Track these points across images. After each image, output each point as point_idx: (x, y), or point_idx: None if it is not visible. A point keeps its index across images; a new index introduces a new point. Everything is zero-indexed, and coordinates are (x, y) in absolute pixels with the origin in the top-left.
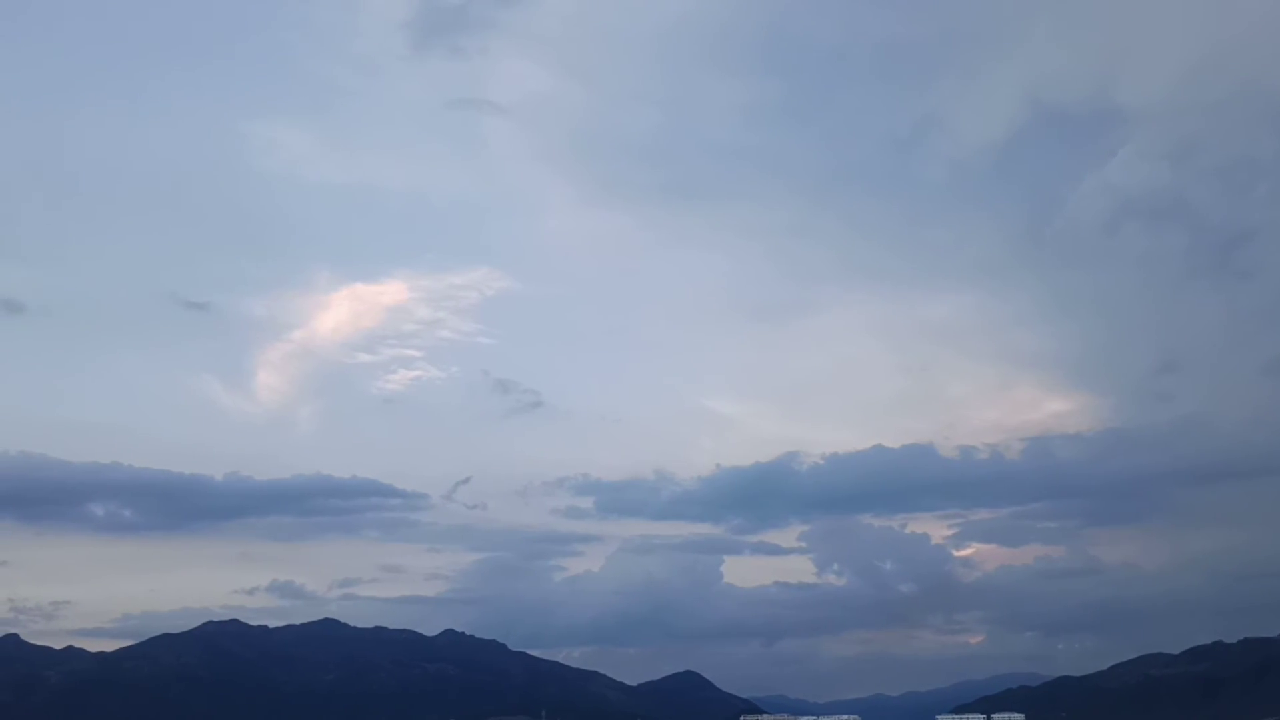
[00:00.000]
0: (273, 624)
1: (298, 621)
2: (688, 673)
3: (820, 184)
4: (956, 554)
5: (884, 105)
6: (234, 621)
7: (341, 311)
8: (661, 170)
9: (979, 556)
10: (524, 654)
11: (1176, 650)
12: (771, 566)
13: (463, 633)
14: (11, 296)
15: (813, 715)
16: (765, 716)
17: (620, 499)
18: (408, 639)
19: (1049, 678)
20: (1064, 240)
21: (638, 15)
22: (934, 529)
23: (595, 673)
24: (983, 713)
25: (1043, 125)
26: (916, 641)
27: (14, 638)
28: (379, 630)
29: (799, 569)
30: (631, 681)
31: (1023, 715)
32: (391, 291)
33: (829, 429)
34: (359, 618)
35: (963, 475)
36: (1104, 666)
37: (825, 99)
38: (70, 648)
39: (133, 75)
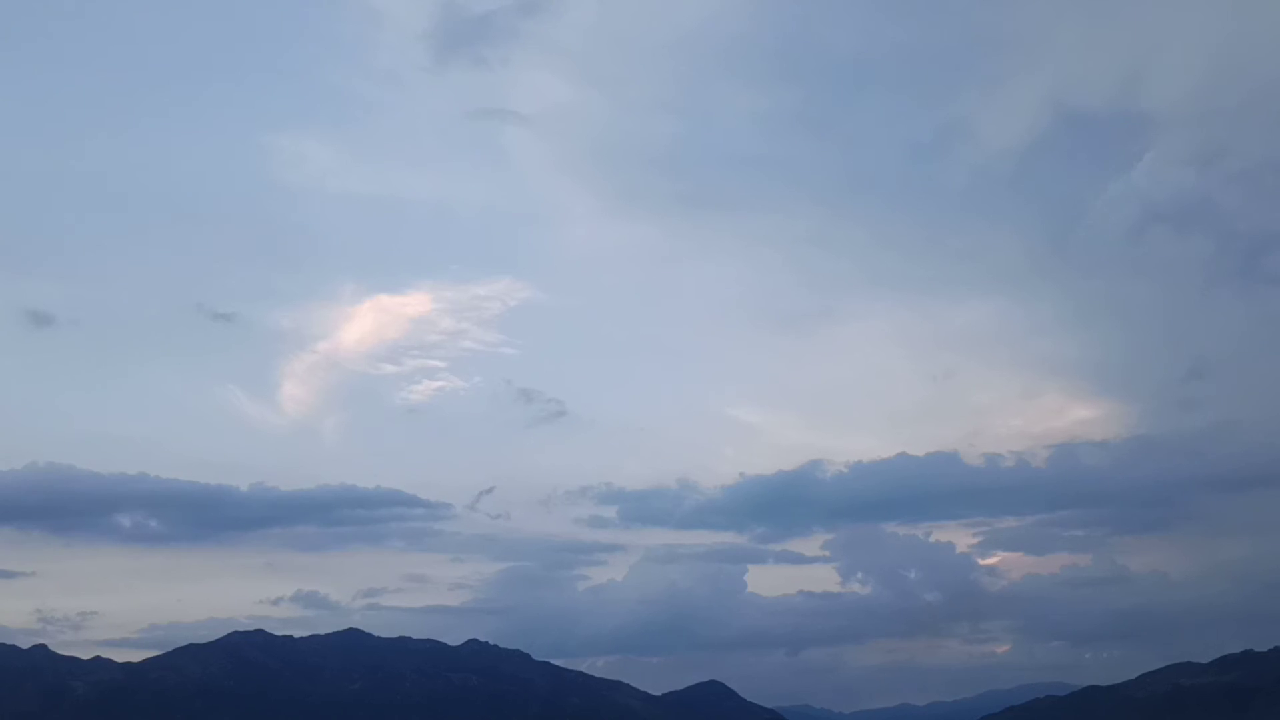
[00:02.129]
0: (298, 634)
1: (322, 631)
2: (712, 682)
3: (841, 193)
4: (982, 562)
5: (904, 113)
6: (259, 632)
7: (366, 323)
8: (682, 180)
9: (1005, 565)
10: (548, 663)
11: (1206, 659)
12: (795, 575)
13: (486, 642)
14: (40, 308)
15: None
16: None
17: (643, 508)
18: (432, 649)
19: (1076, 687)
20: (1088, 246)
21: (657, 25)
22: (959, 537)
23: (619, 682)
24: None
25: (1066, 131)
26: (942, 651)
27: (42, 648)
28: (403, 640)
29: (823, 578)
30: (655, 691)
31: None
32: (415, 303)
33: (853, 437)
34: (383, 628)
35: (988, 483)
36: (1132, 676)
37: (845, 107)
38: (98, 658)
39: (157, 90)
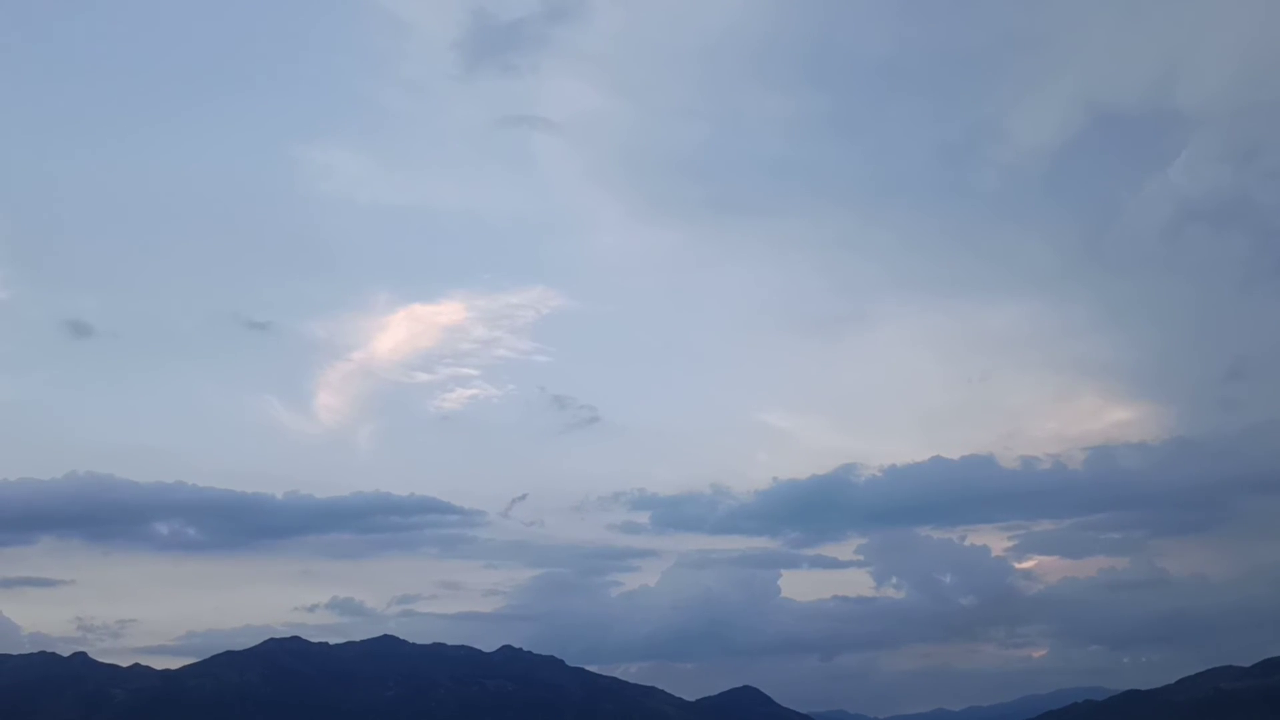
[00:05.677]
0: (333, 641)
1: (358, 638)
2: (746, 688)
3: (871, 196)
4: (1018, 566)
5: (934, 115)
6: (295, 639)
7: (400, 332)
8: (711, 185)
9: (1041, 569)
10: (581, 670)
11: (1248, 663)
12: (829, 580)
13: (520, 649)
14: (79, 319)
15: None
16: None
17: (676, 513)
18: (466, 655)
19: (1115, 691)
20: (1123, 246)
21: (684, 31)
22: (994, 541)
23: (653, 688)
24: None
25: (1099, 130)
26: (978, 655)
27: (82, 655)
28: (438, 647)
29: (857, 582)
30: (690, 697)
31: None
32: (449, 311)
33: (886, 441)
34: (418, 634)
35: (1024, 486)
36: (1172, 680)
37: (874, 110)
38: (136, 665)
39: (189, 102)
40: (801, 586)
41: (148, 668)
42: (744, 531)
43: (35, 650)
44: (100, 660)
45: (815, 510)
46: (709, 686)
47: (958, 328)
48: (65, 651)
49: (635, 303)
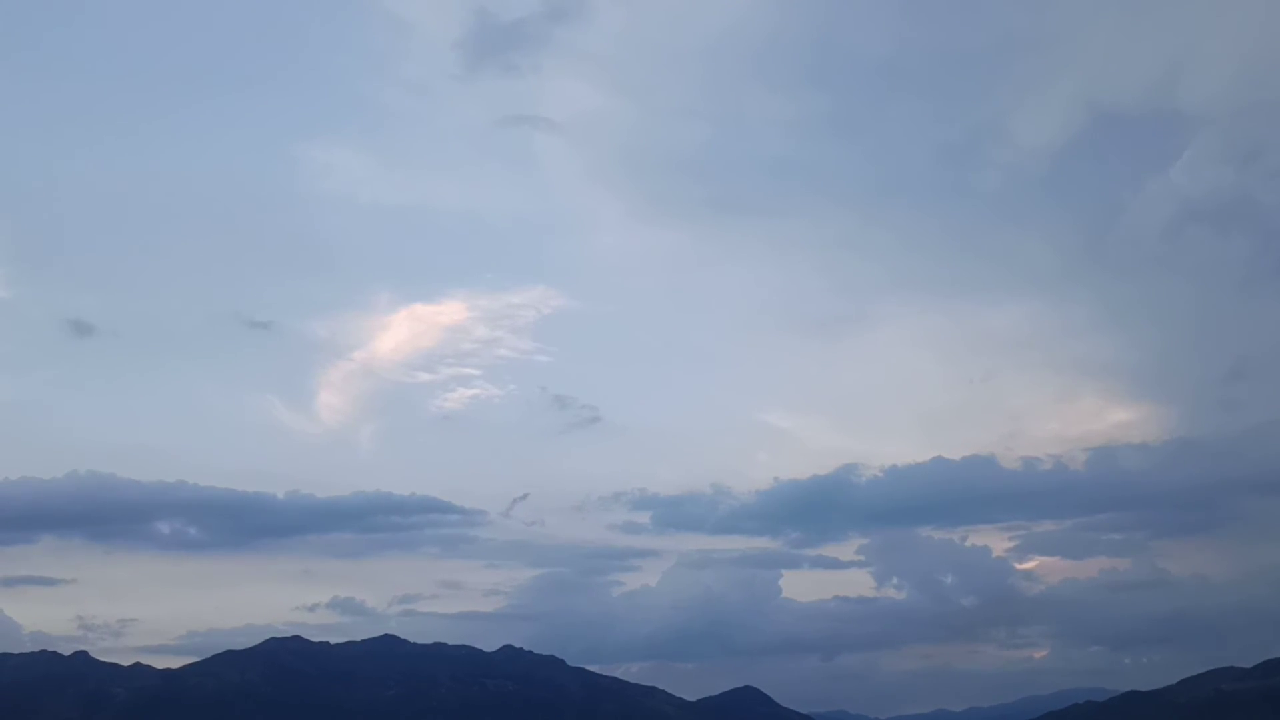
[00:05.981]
0: (334, 640)
1: (358, 638)
2: (747, 688)
3: (872, 196)
4: (1019, 567)
5: (936, 115)
6: (296, 638)
7: (401, 331)
8: (712, 185)
9: (1042, 569)
10: (582, 670)
11: (1249, 664)
12: (830, 580)
13: (521, 649)
14: (81, 318)
15: None
16: None
17: (677, 513)
18: (466, 655)
19: (1116, 692)
20: (1125, 247)
21: (686, 31)
22: (995, 541)
23: (654, 688)
24: None
25: (1101, 130)
26: (979, 656)
27: (83, 655)
28: (439, 646)
29: (858, 582)
30: (690, 697)
31: None
32: (450, 311)
33: (887, 441)
34: (419, 634)
35: (1025, 486)
36: (1173, 680)
37: (875, 110)
38: (137, 664)
39: (191, 101)
40: (802, 587)
41: (149, 667)
42: (745, 531)
43: (36, 649)
44: (101, 659)
45: (816, 510)
46: (709, 686)
47: (958, 328)
48: (66, 650)
49: (636, 303)
